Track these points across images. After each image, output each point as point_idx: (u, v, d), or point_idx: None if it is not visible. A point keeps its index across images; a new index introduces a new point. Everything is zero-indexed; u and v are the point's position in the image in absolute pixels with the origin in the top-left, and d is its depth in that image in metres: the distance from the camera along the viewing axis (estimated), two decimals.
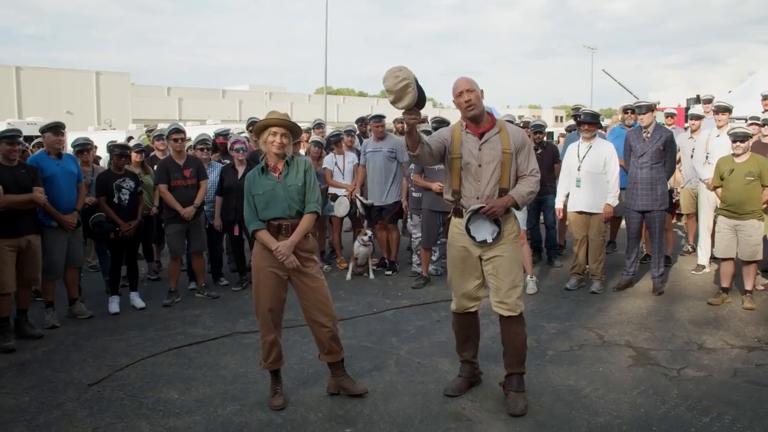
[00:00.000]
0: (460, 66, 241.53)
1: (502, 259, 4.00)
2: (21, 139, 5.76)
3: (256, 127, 4.13)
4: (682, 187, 8.19)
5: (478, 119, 4.00)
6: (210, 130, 10.99)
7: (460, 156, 4.01)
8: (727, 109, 7.28)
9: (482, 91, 4.01)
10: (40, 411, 4.14)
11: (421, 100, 3.59)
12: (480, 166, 3.98)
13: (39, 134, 6.81)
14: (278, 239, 4.03)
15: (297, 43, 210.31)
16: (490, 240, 3.98)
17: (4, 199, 5.36)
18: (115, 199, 6.40)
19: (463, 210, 4.04)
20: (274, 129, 4.05)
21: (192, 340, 5.49)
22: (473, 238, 3.99)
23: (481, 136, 3.99)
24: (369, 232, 7.62)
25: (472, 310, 4.21)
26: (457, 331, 4.35)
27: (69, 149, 7.66)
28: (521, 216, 7.08)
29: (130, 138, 11.26)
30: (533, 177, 4.04)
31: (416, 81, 3.59)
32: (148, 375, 4.74)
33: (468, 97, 3.94)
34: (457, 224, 4.10)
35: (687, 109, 14.85)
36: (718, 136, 7.12)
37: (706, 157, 7.15)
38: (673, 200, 7.94)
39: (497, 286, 4.03)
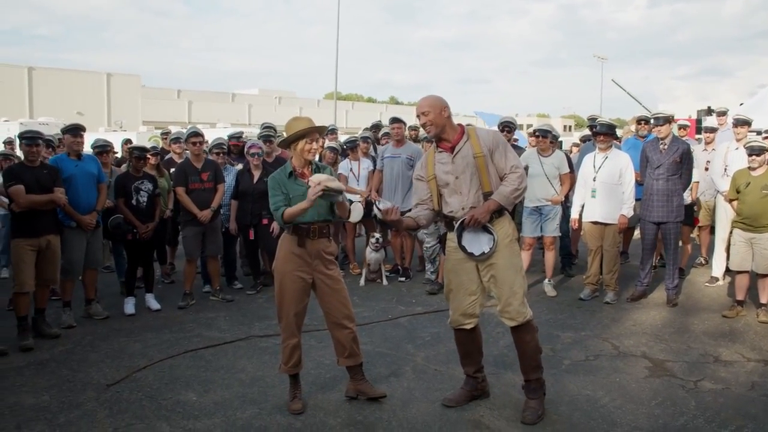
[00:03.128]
0: (469, 74, 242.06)
1: (497, 267, 3.94)
2: (41, 141, 5.84)
3: (292, 137, 4.07)
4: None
5: (444, 136, 4.00)
6: (220, 134, 11.03)
7: (435, 176, 4.04)
8: (746, 123, 7.31)
9: (446, 107, 3.96)
10: (60, 410, 4.17)
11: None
12: (457, 178, 3.96)
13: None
14: (305, 242, 4.08)
15: (306, 48, 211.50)
16: (487, 250, 3.89)
17: (25, 199, 5.44)
18: (133, 201, 6.45)
19: (454, 223, 3.99)
20: (312, 136, 4.08)
21: (208, 343, 5.51)
22: (471, 254, 3.93)
23: (452, 150, 3.99)
24: (377, 235, 7.63)
25: (467, 327, 4.11)
26: (457, 346, 4.31)
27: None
28: (554, 224, 7.10)
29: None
30: (514, 174, 3.92)
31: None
32: (165, 377, 4.77)
33: (424, 120, 3.96)
34: (451, 237, 4.06)
35: (698, 121, 14.85)
36: (737, 149, 7.12)
37: (725, 169, 7.15)
38: (694, 213, 7.94)
39: (498, 294, 3.98)
